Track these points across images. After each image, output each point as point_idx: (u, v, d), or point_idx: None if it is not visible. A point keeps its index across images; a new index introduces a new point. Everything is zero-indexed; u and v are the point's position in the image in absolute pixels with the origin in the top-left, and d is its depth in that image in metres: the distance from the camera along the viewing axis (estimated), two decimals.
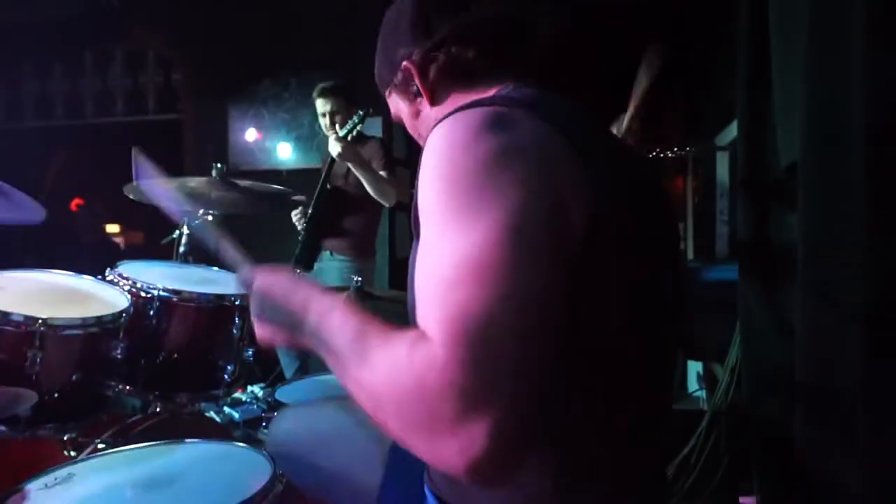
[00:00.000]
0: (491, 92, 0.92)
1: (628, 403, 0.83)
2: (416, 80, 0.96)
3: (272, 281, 0.89)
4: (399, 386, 0.64)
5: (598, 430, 0.80)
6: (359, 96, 3.08)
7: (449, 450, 0.60)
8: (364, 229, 3.23)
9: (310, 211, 3.10)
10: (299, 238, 3.13)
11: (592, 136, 0.87)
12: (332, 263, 3.17)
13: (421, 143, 1.01)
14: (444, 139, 0.75)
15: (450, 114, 0.79)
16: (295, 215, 3.18)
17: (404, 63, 0.96)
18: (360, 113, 2.95)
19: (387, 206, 3.10)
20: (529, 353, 0.63)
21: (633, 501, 0.86)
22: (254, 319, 0.90)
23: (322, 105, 3.11)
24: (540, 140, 0.76)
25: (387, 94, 1.06)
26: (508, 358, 0.61)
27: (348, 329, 0.74)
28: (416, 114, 1.01)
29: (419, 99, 0.99)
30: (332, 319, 0.76)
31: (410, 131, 1.07)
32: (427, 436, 0.62)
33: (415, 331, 0.66)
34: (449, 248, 0.67)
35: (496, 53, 0.96)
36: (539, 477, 0.79)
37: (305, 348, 0.80)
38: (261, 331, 0.90)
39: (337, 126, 3.05)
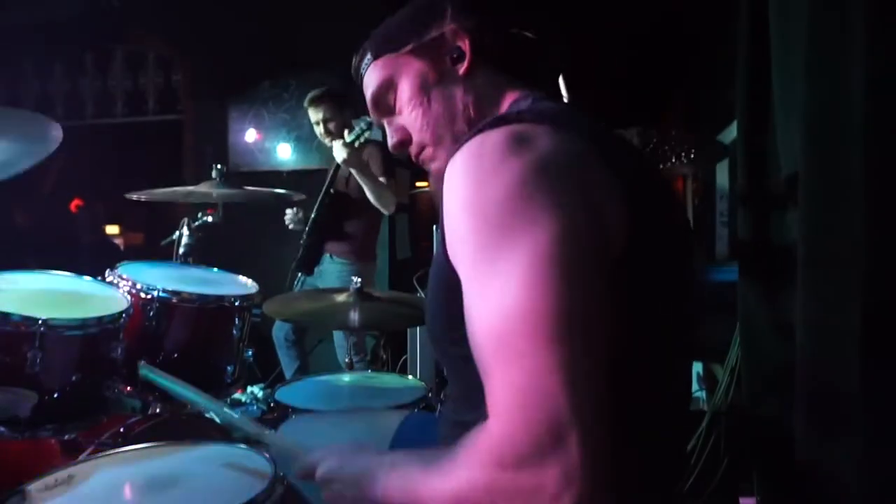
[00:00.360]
0: (510, 97, 0.93)
1: (656, 433, 0.82)
2: (465, 46, 0.93)
3: (333, 462, 0.89)
4: (465, 495, 0.66)
5: (631, 456, 0.77)
6: (350, 100, 3.09)
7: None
8: (365, 233, 3.23)
9: (312, 215, 3.10)
10: (301, 241, 3.13)
11: (615, 144, 0.86)
12: (332, 266, 3.18)
13: (408, 113, 0.98)
14: (468, 164, 0.73)
15: (472, 135, 0.77)
16: (287, 215, 3.16)
17: (450, 26, 0.93)
18: (369, 120, 2.94)
19: (386, 213, 3.10)
20: (588, 392, 0.63)
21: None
22: (329, 499, 0.89)
23: (314, 114, 3.12)
24: (568, 151, 0.74)
25: (385, 58, 1.00)
26: (562, 414, 0.61)
27: (416, 460, 0.76)
28: (439, 78, 0.95)
29: (451, 67, 0.94)
30: (398, 462, 0.79)
31: (404, 100, 0.99)
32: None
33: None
34: (495, 292, 0.66)
35: (537, 56, 0.96)
36: None
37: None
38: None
39: (333, 132, 3.06)
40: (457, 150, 0.78)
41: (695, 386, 2.96)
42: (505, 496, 0.63)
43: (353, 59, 1.05)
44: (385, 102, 1.01)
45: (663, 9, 4.12)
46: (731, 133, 3.52)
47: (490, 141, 0.74)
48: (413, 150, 1.01)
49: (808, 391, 1.30)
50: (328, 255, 3.18)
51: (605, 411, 0.63)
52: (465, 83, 0.94)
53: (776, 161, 1.58)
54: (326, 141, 3.11)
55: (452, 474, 0.67)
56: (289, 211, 3.19)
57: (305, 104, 3.15)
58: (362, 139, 2.89)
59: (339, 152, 2.87)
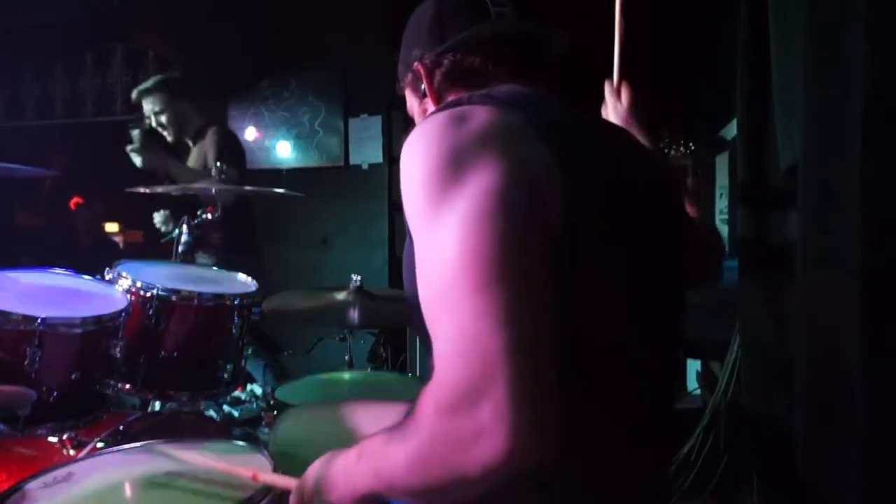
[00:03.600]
0: None
1: (625, 400, 0.82)
2: (424, 82, 1.00)
3: (303, 485, 0.88)
4: (413, 449, 0.67)
5: (595, 421, 0.80)
6: (189, 88, 2.91)
7: (483, 448, 0.61)
8: (227, 227, 2.67)
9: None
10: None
11: (570, 124, 0.89)
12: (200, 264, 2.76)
13: None
14: (412, 141, 0.79)
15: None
16: (157, 217, 2.88)
17: (416, 64, 1.01)
18: (160, 105, 2.78)
19: (226, 207, 2.40)
20: (520, 334, 0.64)
21: (633, 499, 0.86)
22: None
23: (146, 106, 2.89)
24: (503, 124, 0.78)
25: (404, 90, 1.10)
26: (500, 347, 0.62)
27: (372, 442, 0.77)
28: (424, 112, 1.05)
29: (426, 99, 1.03)
30: (350, 456, 0.80)
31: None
32: (460, 472, 0.62)
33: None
34: (432, 248, 0.71)
35: (499, 60, 0.98)
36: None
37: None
38: None
39: (166, 124, 2.87)
40: None
41: (694, 384, 2.96)
42: (449, 443, 0.63)
43: None
44: None
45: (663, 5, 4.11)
46: (732, 129, 3.52)
47: (431, 120, 0.80)
48: None
49: (808, 390, 1.30)
50: (198, 253, 2.65)
51: (546, 358, 0.65)
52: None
53: (776, 160, 1.58)
54: (166, 135, 2.89)
55: (408, 435, 0.68)
56: (157, 214, 2.89)
57: (134, 98, 2.92)
58: (137, 143, 2.73)
59: (136, 159, 2.70)
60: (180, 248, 2.06)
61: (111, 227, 5.64)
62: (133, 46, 5.13)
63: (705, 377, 2.79)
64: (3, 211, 5.00)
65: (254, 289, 1.71)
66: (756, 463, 1.79)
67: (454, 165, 0.72)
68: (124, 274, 1.52)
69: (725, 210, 4.02)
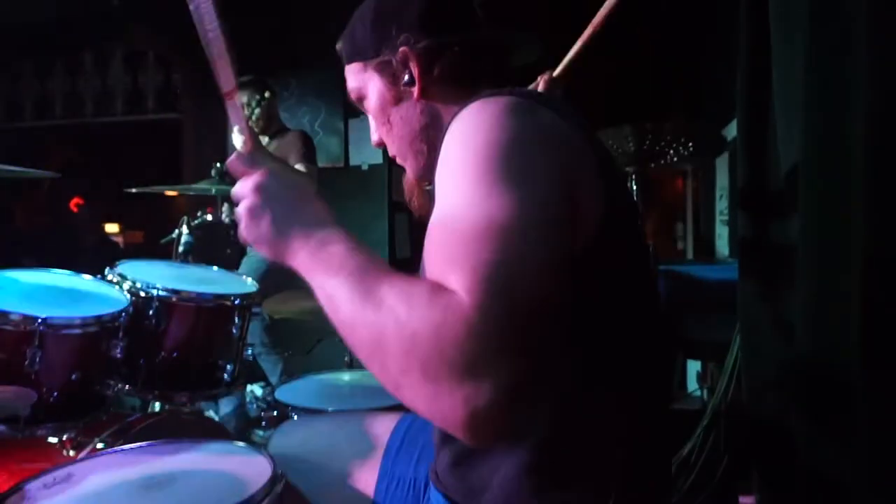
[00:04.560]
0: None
1: (628, 389, 0.84)
2: (415, 70, 0.95)
3: (287, 175, 0.82)
4: (409, 326, 0.61)
5: (594, 414, 0.81)
6: (276, 89, 3.24)
7: (452, 398, 0.59)
8: None
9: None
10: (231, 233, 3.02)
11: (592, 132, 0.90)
12: (249, 256, 3.10)
13: (377, 127, 1.04)
14: (476, 116, 0.76)
15: (474, 100, 0.80)
16: (223, 211, 3.04)
17: (404, 48, 0.95)
18: (257, 97, 3.08)
19: None
20: (544, 317, 0.62)
21: (632, 493, 0.86)
22: (245, 209, 0.79)
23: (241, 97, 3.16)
24: (559, 129, 0.78)
25: (356, 65, 1.03)
26: (527, 316, 0.60)
27: (356, 260, 0.70)
28: (396, 100, 0.99)
29: (406, 88, 0.97)
30: (339, 244, 0.72)
31: (373, 112, 1.03)
32: (432, 381, 0.59)
33: (433, 280, 0.64)
34: (476, 208, 0.66)
35: (500, 64, 0.99)
36: (530, 450, 0.81)
37: (286, 264, 0.75)
38: (251, 227, 0.79)
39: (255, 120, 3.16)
40: (422, 162, 0.95)
41: (694, 385, 2.96)
42: (431, 365, 0.59)
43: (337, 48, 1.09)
44: (361, 104, 1.07)
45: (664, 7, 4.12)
46: (732, 129, 3.52)
47: (492, 101, 0.78)
48: (389, 151, 1.07)
49: (808, 390, 1.30)
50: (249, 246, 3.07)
51: (553, 351, 0.64)
52: (422, 104, 0.98)
53: (776, 161, 1.58)
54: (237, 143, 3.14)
55: (389, 309, 0.63)
56: (224, 209, 3.07)
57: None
58: (254, 116, 3.11)
59: (237, 141, 2.87)
60: (180, 249, 2.06)
61: (111, 227, 5.64)
62: (133, 47, 5.13)
63: (705, 378, 2.79)
64: (3, 211, 5.00)
65: (254, 289, 1.71)
66: (756, 464, 1.79)
67: (509, 151, 0.71)
68: (124, 274, 1.52)
69: (725, 211, 4.02)
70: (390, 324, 0.62)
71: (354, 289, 0.66)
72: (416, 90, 0.96)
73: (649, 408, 0.89)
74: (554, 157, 0.74)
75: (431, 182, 0.91)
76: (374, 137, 1.07)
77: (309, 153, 3.19)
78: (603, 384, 0.81)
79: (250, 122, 3.13)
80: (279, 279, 3.03)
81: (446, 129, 0.80)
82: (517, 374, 0.59)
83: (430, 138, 0.98)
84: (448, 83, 0.96)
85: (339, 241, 0.73)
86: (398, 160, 1.07)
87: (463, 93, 0.93)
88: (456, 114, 0.80)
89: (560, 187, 0.72)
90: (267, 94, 3.16)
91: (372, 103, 1.02)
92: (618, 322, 0.81)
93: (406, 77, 0.96)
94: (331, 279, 0.69)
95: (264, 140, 3.33)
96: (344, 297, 0.67)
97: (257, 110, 3.13)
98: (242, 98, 3.11)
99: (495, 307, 0.59)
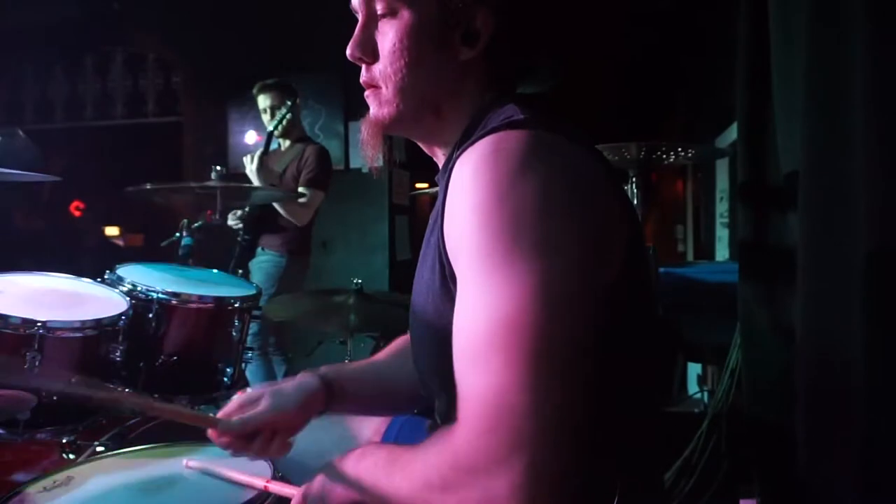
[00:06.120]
0: (497, 104, 0.86)
1: (641, 420, 0.83)
2: (485, 33, 0.84)
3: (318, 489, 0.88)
4: (433, 469, 0.67)
5: (614, 453, 0.79)
6: (293, 92, 3.19)
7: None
8: (297, 227, 3.14)
9: (247, 209, 3.01)
10: (238, 239, 3.00)
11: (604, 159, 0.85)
12: (261, 258, 3.14)
13: (385, 47, 0.87)
14: (486, 163, 0.69)
15: (486, 133, 0.73)
16: (231, 217, 3.07)
17: (484, 9, 0.83)
18: (288, 103, 3.04)
19: (297, 224, 3.09)
20: (555, 417, 0.63)
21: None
22: None
23: (263, 101, 3.20)
24: (585, 170, 0.75)
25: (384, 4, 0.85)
26: (533, 428, 0.62)
27: (379, 456, 0.78)
28: (438, 42, 0.84)
29: (461, 45, 0.84)
30: (363, 460, 0.80)
31: (397, 31, 0.85)
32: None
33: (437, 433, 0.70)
34: (489, 301, 0.65)
35: (538, 68, 0.93)
36: None
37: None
38: None
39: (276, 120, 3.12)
40: (400, 114, 0.85)
41: (695, 388, 2.96)
42: (455, 498, 0.64)
43: None
44: (369, 38, 0.88)
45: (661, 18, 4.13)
46: (729, 136, 3.53)
47: (509, 143, 0.70)
48: (364, 76, 0.90)
49: (809, 392, 1.30)
50: (260, 247, 3.13)
51: (575, 441, 0.64)
52: (461, 70, 0.86)
53: (776, 162, 1.57)
54: (270, 127, 3.14)
55: (416, 473, 0.69)
56: (231, 215, 3.10)
57: (255, 90, 3.23)
58: (284, 122, 3.06)
59: (249, 166, 2.93)
60: (180, 252, 2.06)
61: (111, 230, 5.64)
62: (133, 50, 5.13)
63: (706, 381, 2.79)
64: (3, 214, 5.00)
65: (254, 292, 1.70)
66: (757, 466, 1.79)
67: (535, 218, 0.66)
68: (124, 277, 1.52)
69: (726, 213, 4.03)
70: (418, 481, 0.69)
71: (389, 480, 0.74)
72: (469, 54, 0.84)
73: (646, 415, 0.88)
74: (586, 216, 0.70)
75: (392, 132, 0.90)
76: (354, 50, 0.88)
77: (321, 177, 3.15)
78: (606, 399, 0.80)
79: (280, 128, 3.11)
80: (291, 283, 3.09)
81: (476, 139, 0.74)
82: (521, 487, 0.61)
83: (432, 98, 0.87)
84: (494, 68, 0.87)
85: (361, 457, 0.82)
86: (370, 93, 0.90)
87: (496, 86, 0.87)
88: (471, 142, 0.74)
89: (593, 251, 0.69)
90: (296, 100, 3.13)
91: (405, 22, 0.84)
92: (624, 348, 0.78)
93: (469, 34, 0.84)
94: (373, 490, 0.76)
95: (285, 144, 3.31)
96: (386, 490, 0.74)
97: (288, 115, 3.06)
98: (269, 101, 3.16)
99: (480, 435, 0.63)
